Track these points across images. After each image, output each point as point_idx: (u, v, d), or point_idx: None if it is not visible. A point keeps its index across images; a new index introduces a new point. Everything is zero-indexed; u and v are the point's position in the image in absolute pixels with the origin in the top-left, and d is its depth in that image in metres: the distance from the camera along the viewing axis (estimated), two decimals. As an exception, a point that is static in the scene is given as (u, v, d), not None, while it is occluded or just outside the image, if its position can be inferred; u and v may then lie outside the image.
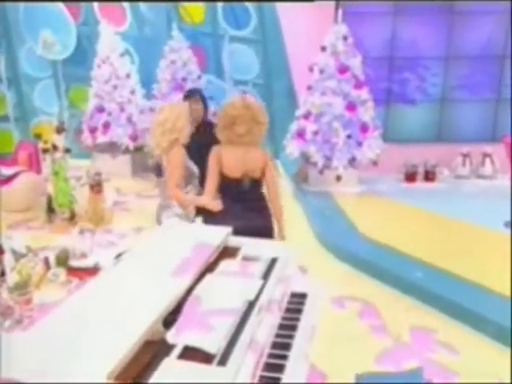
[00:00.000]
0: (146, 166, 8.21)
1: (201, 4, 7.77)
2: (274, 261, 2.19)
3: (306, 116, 6.56)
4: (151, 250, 2.19)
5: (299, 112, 6.69)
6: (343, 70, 6.34)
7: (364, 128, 6.38)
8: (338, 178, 6.42)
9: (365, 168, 6.65)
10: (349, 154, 6.35)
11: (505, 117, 7.57)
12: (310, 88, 6.57)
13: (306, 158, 6.65)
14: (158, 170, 3.17)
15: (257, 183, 2.88)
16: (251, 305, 1.76)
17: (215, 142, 3.04)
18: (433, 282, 3.81)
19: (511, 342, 2.97)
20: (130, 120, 7.64)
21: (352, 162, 6.42)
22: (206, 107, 3.84)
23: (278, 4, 7.64)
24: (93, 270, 1.97)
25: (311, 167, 6.63)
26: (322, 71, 6.43)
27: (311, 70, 6.55)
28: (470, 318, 3.27)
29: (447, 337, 3.11)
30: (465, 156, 7.27)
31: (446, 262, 4.11)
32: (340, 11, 6.46)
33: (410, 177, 7.07)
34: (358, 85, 6.37)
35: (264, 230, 2.81)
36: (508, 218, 5.33)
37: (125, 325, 1.53)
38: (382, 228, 5.17)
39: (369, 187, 6.74)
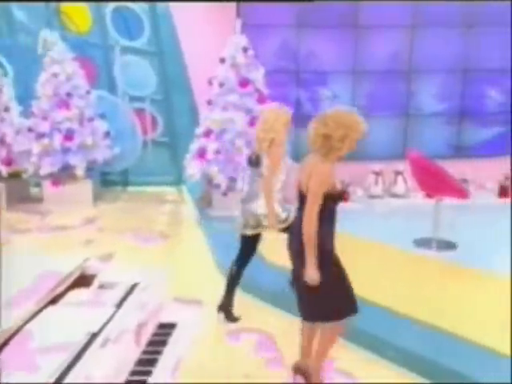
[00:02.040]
0: (25, 195, 7.79)
1: (84, 4, 7.63)
2: (133, 287, 2.12)
3: (207, 134, 6.62)
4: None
5: (199, 130, 6.73)
6: (244, 83, 6.51)
7: (270, 146, 6.53)
8: (244, 201, 6.47)
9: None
10: (254, 174, 6.45)
11: (415, 133, 8.16)
12: (210, 103, 6.66)
13: (208, 179, 6.67)
14: (256, 162, 3.74)
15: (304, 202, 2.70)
16: (96, 337, 1.67)
17: None
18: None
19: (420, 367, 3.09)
20: (2, 141, 7.25)
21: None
22: None
23: (174, 13, 7.73)
24: None
25: (215, 190, 6.66)
26: (221, 84, 6.56)
27: (210, 83, 6.66)
28: (372, 342, 3.38)
29: (347, 364, 3.19)
30: (377, 174, 7.70)
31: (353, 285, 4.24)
32: (239, 21, 6.66)
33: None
34: (262, 99, 6.56)
35: (295, 253, 2.78)
36: (419, 236, 5.68)
37: None
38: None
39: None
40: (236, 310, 4.10)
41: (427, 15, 7.77)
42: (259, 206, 3.74)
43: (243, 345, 3.47)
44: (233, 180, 6.50)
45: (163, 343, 2.05)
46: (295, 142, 7.72)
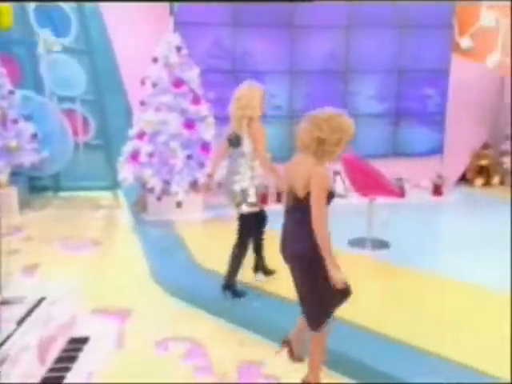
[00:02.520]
0: None
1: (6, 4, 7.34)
2: (41, 301, 2.06)
3: (140, 135, 6.53)
4: None
5: (132, 131, 6.63)
6: (178, 83, 6.46)
7: (205, 147, 6.53)
8: (179, 205, 6.44)
9: (211, 192, 6.72)
10: (190, 176, 6.43)
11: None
12: (143, 104, 6.57)
13: (142, 183, 6.58)
14: (237, 142, 3.93)
15: (301, 205, 2.71)
16: (-9, 357, 1.62)
17: None
18: (269, 311, 3.95)
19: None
20: None
21: (193, 185, 6.50)
22: None
23: (103, 11, 7.56)
24: None
25: (149, 193, 6.58)
26: (154, 85, 6.48)
27: (143, 83, 6.57)
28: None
29: (276, 368, 3.22)
30: (316, 174, 7.82)
31: (288, 289, 4.28)
32: (172, 19, 6.61)
33: (262, 199, 7.32)
34: (196, 100, 6.53)
35: (297, 258, 2.80)
36: (353, 237, 5.82)
37: None
38: (226, 259, 5.24)
39: (217, 213, 6.83)
40: (167, 318, 4.08)
41: (363, 15, 7.99)
42: (237, 182, 3.96)
43: (172, 354, 3.44)
44: (167, 183, 6.44)
45: (73, 359, 2.01)
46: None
